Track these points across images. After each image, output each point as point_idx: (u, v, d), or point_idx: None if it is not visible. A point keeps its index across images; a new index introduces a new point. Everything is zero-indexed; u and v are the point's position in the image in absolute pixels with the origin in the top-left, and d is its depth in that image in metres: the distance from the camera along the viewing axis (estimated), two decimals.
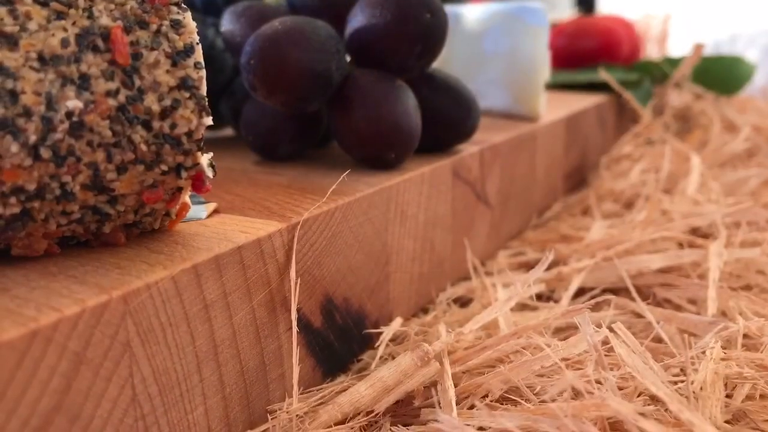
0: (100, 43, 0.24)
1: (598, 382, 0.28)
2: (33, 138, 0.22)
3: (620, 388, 0.29)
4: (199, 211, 0.30)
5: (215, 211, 0.31)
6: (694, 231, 0.49)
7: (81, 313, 0.21)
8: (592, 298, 0.40)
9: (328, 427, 0.28)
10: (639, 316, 0.38)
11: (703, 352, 0.31)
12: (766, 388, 0.30)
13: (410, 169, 0.38)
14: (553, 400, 0.28)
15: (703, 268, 0.41)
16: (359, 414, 0.29)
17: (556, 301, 0.41)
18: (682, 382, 0.30)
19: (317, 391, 0.31)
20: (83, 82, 0.23)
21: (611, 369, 0.29)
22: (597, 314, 0.37)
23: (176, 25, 0.25)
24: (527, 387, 0.30)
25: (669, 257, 0.42)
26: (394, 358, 0.32)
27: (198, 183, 0.27)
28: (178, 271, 0.24)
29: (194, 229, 0.28)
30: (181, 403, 0.25)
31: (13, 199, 0.23)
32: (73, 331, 0.20)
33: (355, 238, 0.33)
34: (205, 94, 0.26)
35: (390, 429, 0.29)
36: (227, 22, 0.41)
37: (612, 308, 0.39)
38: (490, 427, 0.27)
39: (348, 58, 0.40)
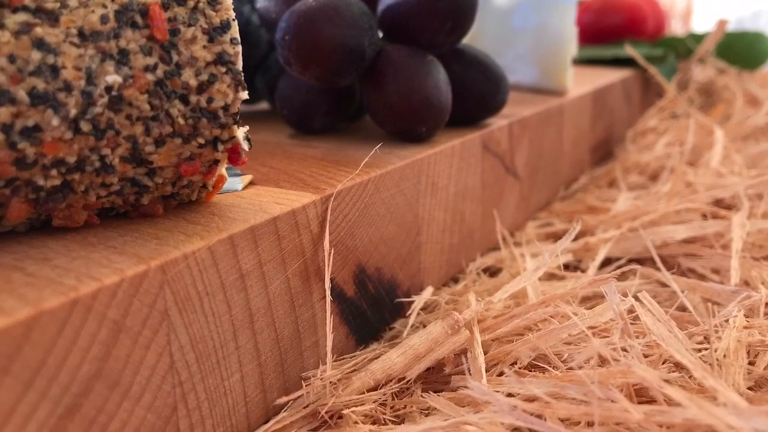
0: (138, 19, 0.23)
1: (623, 349, 0.28)
2: (73, 112, 0.22)
3: (645, 356, 0.29)
4: (235, 183, 0.30)
5: (251, 183, 0.30)
6: (718, 202, 0.48)
7: (120, 282, 0.20)
8: (618, 267, 0.39)
9: (360, 394, 0.28)
10: (664, 285, 0.38)
11: (727, 321, 0.31)
12: None
13: (441, 143, 0.37)
14: (580, 368, 0.28)
15: (726, 238, 0.41)
16: (391, 381, 0.29)
17: (583, 271, 0.41)
18: (706, 349, 0.30)
19: (350, 358, 0.31)
20: (122, 58, 0.23)
21: (637, 337, 0.29)
22: (623, 283, 0.37)
23: (213, 2, 0.25)
24: (555, 354, 0.30)
25: (693, 228, 0.41)
26: (425, 326, 0.31)
27: (234, 156, 0.26)
28: (214, 242, 0.23)
29: (230, 201, 0.28)
30: (217, 370, 0.24)
31: (54, 172, 0.22)
32: (113, 300, 0.20)
33: (387, 210, 0.33)
34: (241, 69, 0.25)
35: (421, 395, 0.28)
36: None
37: (637, 278, 0.38)
38: (518, 394, 0.27)
39: (380, 34, 0.39)
